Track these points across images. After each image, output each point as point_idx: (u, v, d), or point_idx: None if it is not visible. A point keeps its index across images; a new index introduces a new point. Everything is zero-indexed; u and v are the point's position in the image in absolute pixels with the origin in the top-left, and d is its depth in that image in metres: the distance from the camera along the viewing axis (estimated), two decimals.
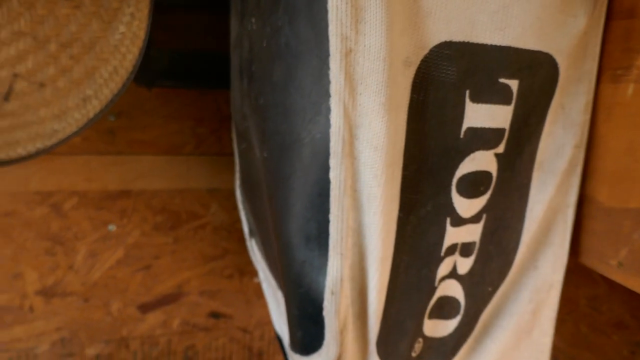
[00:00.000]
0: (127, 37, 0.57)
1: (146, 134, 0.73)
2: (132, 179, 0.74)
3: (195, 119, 0.75)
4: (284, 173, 0.40)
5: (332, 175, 0.36)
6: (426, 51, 0.37)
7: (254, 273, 0.84)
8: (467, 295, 0.43)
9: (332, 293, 0.37)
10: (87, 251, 0.75)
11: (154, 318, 0.81)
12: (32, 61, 0.56)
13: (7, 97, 0.55)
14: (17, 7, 0.55)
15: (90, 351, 0.78)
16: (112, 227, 0.75)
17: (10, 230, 0.70)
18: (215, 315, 0.84)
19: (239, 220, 0.81)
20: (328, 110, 0.35)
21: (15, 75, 0.55)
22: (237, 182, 0.66)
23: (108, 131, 0.71)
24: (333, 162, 0.36)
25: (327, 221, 0.37)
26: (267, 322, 0.87)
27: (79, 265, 0.75)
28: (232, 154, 0.78)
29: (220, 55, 0.70)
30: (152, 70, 0.56)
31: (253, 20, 0.42)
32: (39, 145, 0.56)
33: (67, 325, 0.76)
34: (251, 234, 0.65)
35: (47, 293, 0.74)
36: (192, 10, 0.67)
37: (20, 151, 0.56)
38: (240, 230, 0.82)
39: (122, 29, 0.57)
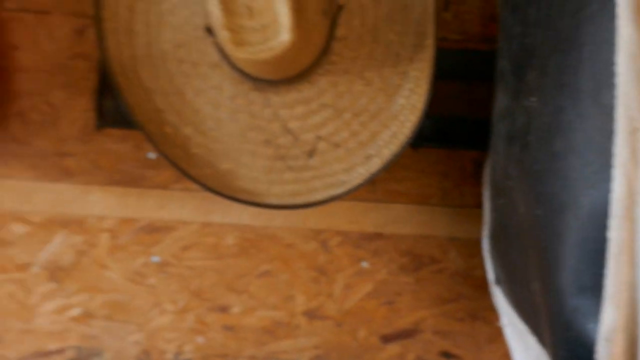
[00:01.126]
0: (406, 108, 0.69)
1: (401, 185, 0.85)
2: (385, 223, 0.86)
3: (442, 174, 0.85)
4: (558, 230, 0.46)
5: (612, 235, 0.42)
6: None
7: (486, 319, 0.89)
8: None
9: (606, 340, 0.42)
10: (344, 283, 0.88)
11: (392, 349, 0.90)
12: (331, 126, 0.70)
13: (311, 154, 0.70)
14: (324, 85, 0.70)
15: None
16: (365, 264, 0.87)
17: (289, 259, 0.87)
18: (446, 354, 0.91)
19: (475, 268, 0.88)
20: (609, 179, 0.41)
21: (319, 138, 0.71)
22: (485, 233, 0.74)
23: (371, 182, 0.85)
24: (613, 223, 0.41)
25: (602, 275, 0.43)
26: None
27: (337, 294, 0.88)
28: (472, 207, 0.86)
29: (470, 120, 0.79)
30: (420, 134, 0.67)
31: (533, 99, 0.50)
32: (332, 193, 0.70)
33: (323, 345, 0.90)
34: (497, 281, 0.71)
35: (310, 314, 0.89)
36: (451, 80, 0.78)
37: (318, 197, 0.71)
38: (475, 277, 0.88)
39: (401, 101, 0.69)
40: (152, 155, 0.83)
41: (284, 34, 0.58)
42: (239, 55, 0.58)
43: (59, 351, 0.89)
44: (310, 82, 0.69)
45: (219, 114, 0.71)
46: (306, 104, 0.70)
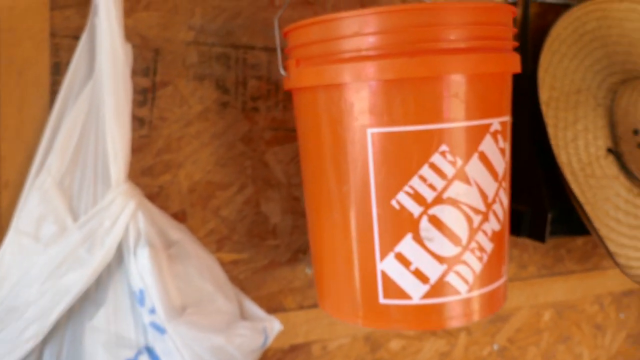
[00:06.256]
0: None
1: None
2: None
3: None
4: None
5: None
6: None
7: None
8: None
9: None
10: (611, 333, 1.09)
11: None
12: None
13: None
14: None
15: None
16: (622, 315, 1.10)
17: (580, 322, 1.05)
18: None
19: None
20: None
21: None
22: None
23: None
24: None
25: None
26: None
27: (606, 344, 1.09)
28: None
29: None
30: None
31: None
32: None
33: None
34: None
35: None
36: None
37: None
38: None
39: None
40: None
41: None
42: None
43: None
44: None
45: (617, 214, 0.88)
46: None
